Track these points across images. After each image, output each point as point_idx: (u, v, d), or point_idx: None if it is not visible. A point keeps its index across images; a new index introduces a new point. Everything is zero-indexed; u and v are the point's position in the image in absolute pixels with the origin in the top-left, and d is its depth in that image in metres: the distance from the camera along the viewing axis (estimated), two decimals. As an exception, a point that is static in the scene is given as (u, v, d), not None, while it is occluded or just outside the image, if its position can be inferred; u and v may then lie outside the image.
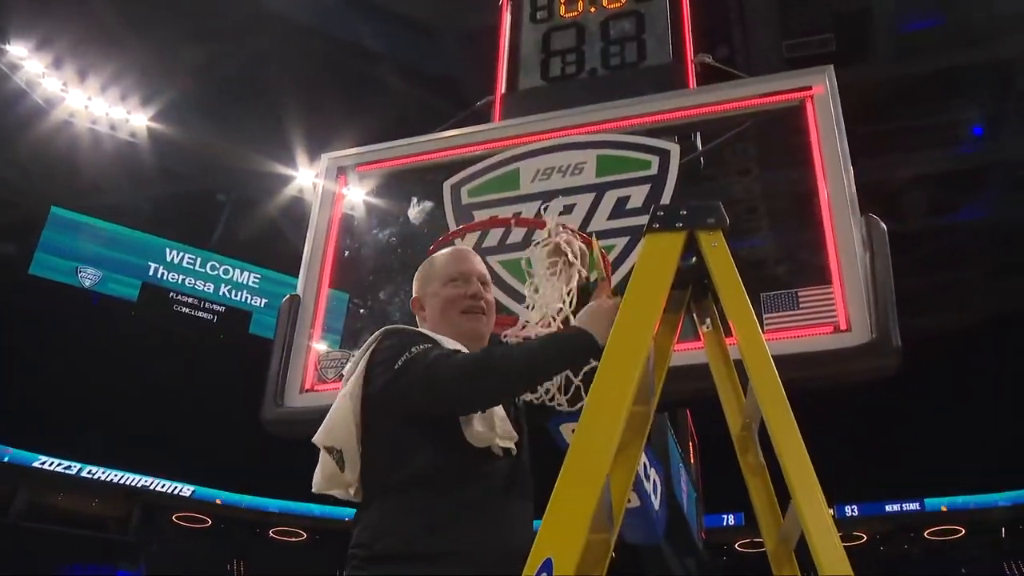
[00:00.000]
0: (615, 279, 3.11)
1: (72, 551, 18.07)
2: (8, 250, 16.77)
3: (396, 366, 2.10)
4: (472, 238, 3.60)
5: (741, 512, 20.61)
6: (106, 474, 19.02)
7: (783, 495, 1.99)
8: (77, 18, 12.33)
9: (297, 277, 4.01)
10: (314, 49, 13.16)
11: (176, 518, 20.79)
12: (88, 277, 16.14)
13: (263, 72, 13.51)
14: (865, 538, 20.98)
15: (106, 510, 19.99)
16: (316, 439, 2.19)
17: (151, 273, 16.77)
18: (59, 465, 18.52)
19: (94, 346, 17.22)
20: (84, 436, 17.71)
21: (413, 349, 2.12)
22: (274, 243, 16.81)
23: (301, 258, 4.06)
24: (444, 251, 2.51)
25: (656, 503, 4.39)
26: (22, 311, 16.63)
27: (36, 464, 18.31)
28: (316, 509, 20.58)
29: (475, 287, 2.36)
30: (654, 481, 4.38)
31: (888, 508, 21.00)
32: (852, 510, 20.50)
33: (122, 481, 19.23)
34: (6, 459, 18.11)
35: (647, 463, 4.19)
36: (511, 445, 2.17)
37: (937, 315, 16.31)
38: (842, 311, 3.07)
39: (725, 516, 20.77)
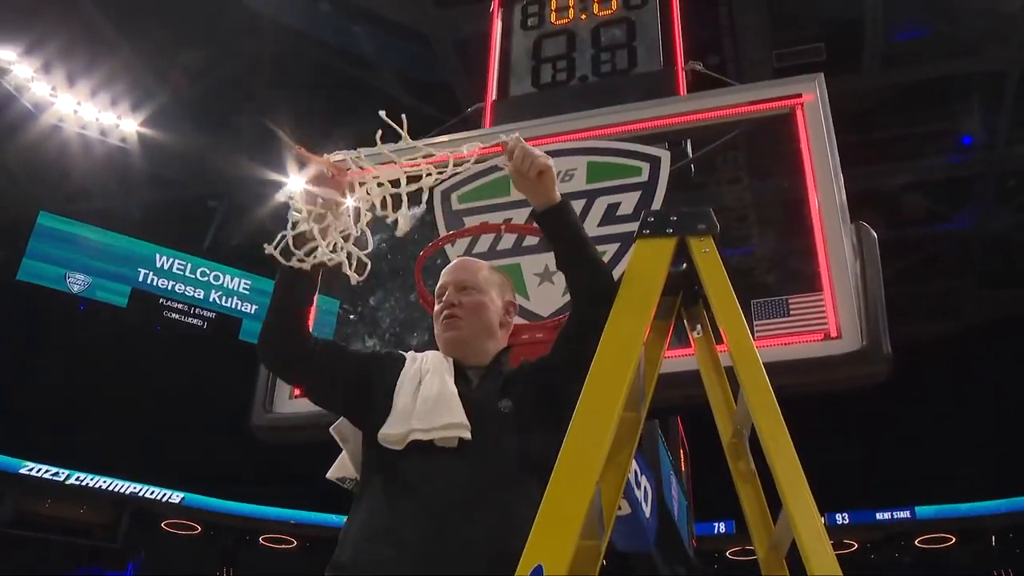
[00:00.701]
0: (606, 285, 3.10)
1: (60, 558, 17.93)
2: (-5, 254, 16.70)
3: None
4: (463, 244, 3.59)
5: (732, 520, 20.57)
6: (94, 481, 18.87)
7: (774, 502, 1.99)
8: (67, 22, 12.28)
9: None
10: (305, 55, 13.16)
11: (165, 525, 20.66)
12: (77, 283, 16.05)
13: (254, 78, 13.50)
14: (856, 546, 20.95)
15: (94, 517, 19.83)
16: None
17: (141, 279, 16.69)
18: (46, 472, 18.35)
19: (83, 352, 17.12)
20: (72, 442, 17.58)
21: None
22: (264, 248, 16.74)
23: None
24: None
25: (647, 510, 4.38)
26: (10, 317, 16.55)
27: (23, 471, 18.14)
28: (306, 516, 20.49)
29: (451, 297, 2.36)
30: (645, 488, 4.37)
31: (879, 516, 20.98)
32: (843, 518, 20.49)
33: (111, 488, 19.08)
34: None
35: (638, 470, 4.19)
36: (446, 435, 2.09)
37: (928, 323, 16.39)
38: (832, 318, 3.08)
39: (716, 524, 20.74)
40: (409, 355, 2.34)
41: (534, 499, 1.98)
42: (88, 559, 18.56)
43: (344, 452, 2.29)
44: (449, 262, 2.57)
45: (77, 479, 18.65)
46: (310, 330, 2.33)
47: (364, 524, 2.07)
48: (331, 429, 2.30)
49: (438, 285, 2.42)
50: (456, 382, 2.22)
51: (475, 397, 2.20)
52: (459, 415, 2.11)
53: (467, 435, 2.08)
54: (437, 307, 2.38)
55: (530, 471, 2.10)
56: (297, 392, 3.68)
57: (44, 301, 15.96)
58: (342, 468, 2.30)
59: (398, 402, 2.16)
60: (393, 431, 2.10)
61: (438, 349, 2.37)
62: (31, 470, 18.18)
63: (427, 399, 2.14)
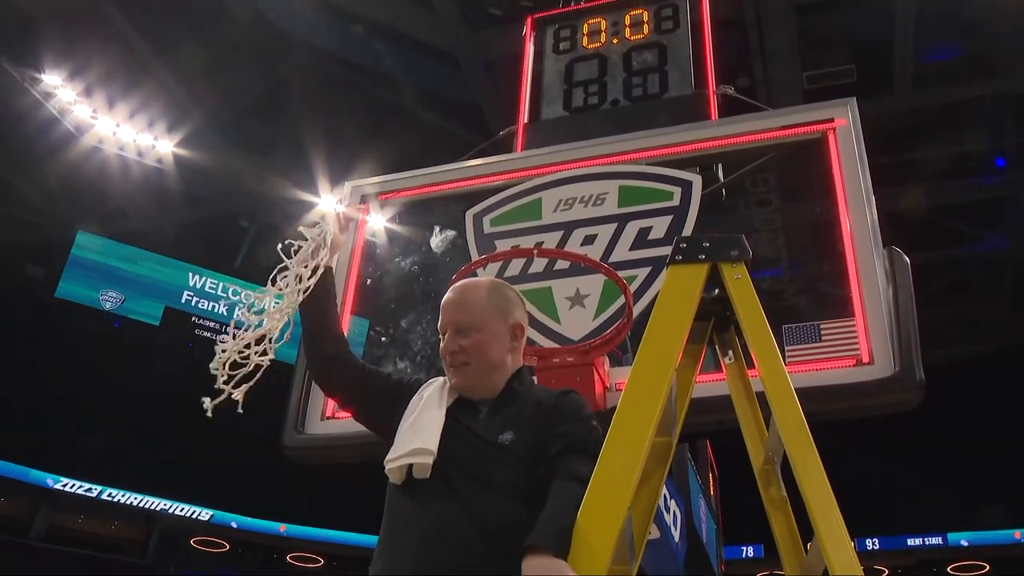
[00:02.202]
0: (637, 309, 3.11)
1: (91, 574, 18.06)
2: (36, 273, 16.98)
3: None
4: (494, 267, 3.61)
5: (760, 544, 20.33)
6: (125, 497, 19.04)
7: (804, 528, 1.98)
8: (109, 48, 12.58)
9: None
10: (337, 76, 13.31)
11: (194, 542, 20.77)
12: (110, 300, 16.30)
13: (287, 99, 13.68)
14: (886, 572, 20.64)
15: (125, 533, 20.00)
16: None
17: (173, 298, 16.92)
18: (79, 487, 18.55)
19: (116, 369, 17.32)
20: (104, 459, 17.74)
21: None
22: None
23: (322, 284, 4.06)
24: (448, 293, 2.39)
25: (676, 535, 4.35)
26: (47, 334, 16.78)
27: (56, 486, 18.35)
28: (334, 535, 20.51)
29: (450, 344, 2.26)
30: (674, 512, 4.35)
31: (910, 542, 20.66)
32: (873, 543, 20.18)
33: (141, 504, 19.24)
34: (28, 480, 18.17)
35: (667, 494, 4.16)
36: (413, 461, 2.10)
37: (959, 346, 16.18)
38: (865, 344, 3.06)
39: (744, 548, 20.50)
40: (424, 385, 2.35)
41: (515, 551, 1.92)
42: (118, 575, 18.67)
43: None
44: (496, 287, 2.45)
45: (109, 495, 18.81)
46: (348, 350, 2.43)
47: (376, 556, 2.13)
48: None
49: (440, 323, 2.30)
50: (462, 413, 2.20)
51: (475, 426, 2.17)
52: (426, 440, 2.10)
53: (429, 460, 2.07)
54: (441, 346, 2.29)
55: (528, 504, 2.01)
56: (328, 413, 3.70)
57: (81, 320, 16.21)
58: None
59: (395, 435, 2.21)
60: (388, 467, 2.16)
61: None
62: (64, 486, 18.36)
63: (410, 428, 2.16)
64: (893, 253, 3.18)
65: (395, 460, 2.11)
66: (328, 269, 2.46)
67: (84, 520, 19.33)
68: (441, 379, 2.33)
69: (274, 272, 2.46)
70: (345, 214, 2.59)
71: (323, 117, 13.38)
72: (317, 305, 2.43)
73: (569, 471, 1.96)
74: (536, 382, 2.41)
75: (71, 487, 18.44)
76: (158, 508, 19.38)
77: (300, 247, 2.47)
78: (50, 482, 18.25)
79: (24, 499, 18.48)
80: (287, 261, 2.45)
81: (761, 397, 2.17)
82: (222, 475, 18.22)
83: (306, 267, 2.43)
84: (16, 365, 16.68)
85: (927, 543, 20.61)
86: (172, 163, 14.59)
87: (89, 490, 18.62)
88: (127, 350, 17.18)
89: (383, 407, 2.32)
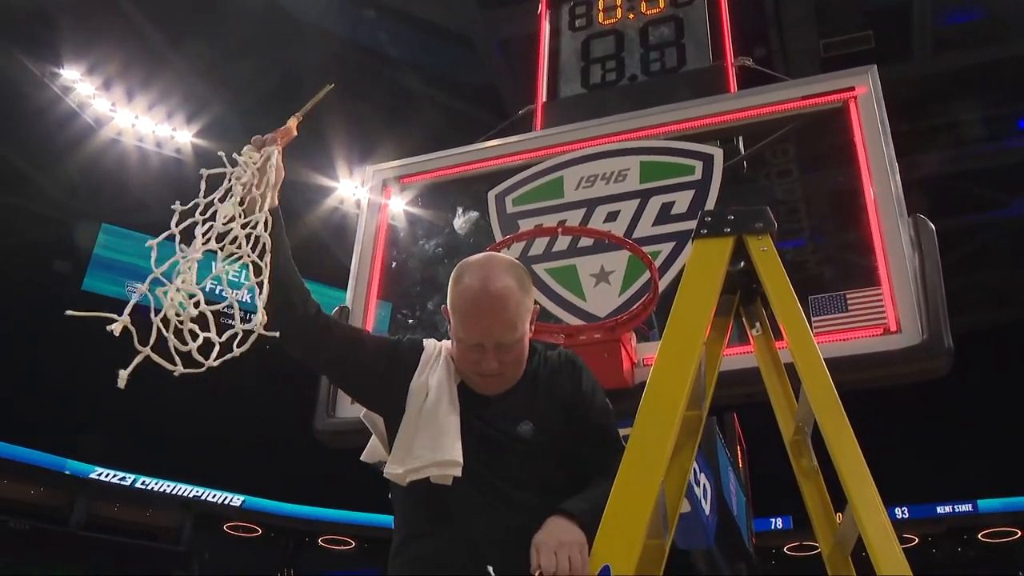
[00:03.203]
0: (662, 284, 3.12)
1: (128, 560, 18.38)
2: (63, 267, 17.18)
3: None
4: (518, 246, 3.62)
5: (789, 515, 20.35)
6: (159, 485, 19.33)
7: (835, 499, 1.99)
8: (126, 42, 12.67)
9: (339, 288, 4.05)
10: (353, 62, 13.30)
11: (227, 528, 21.06)
12: (136, 292, 16.44)
13: (303, 86, 13.69)
14: (917, 540, 20.58)
15: (160, 520, 20.33)
16: None
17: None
18: (115, 476, 18.86)
19: (146, 360, 17.48)
20: (138, 448, 18.00)
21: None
22: (317, 254, 17.00)
23: (343, 269, 4.09)
24: (467, 289, 2.05)
25: (707, 508, 4.36)
26: (76, 327, 16.94)
27: (93, 476, 18.67)
28: (364, 518, 20.70)
29: (490, 364, 2.05)
30: (704, 486, 4.36)
31: (940, 510, 20.58)
32: (903, 512, 20.12)
33: (175, 492, 19.53)
34: (66, 471, 18.49)
35: (697, 468, 4.17)
36: (439, 473, 1.98)
37: (985, 312, 16.03)
38: (891, 313, 3.05)
39: (773, 520, 20.53)
40: (425, 351, 2.16)
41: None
42: (156, 565, 18.98)
43: (374, 437, 2.20)
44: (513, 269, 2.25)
45: (143, 483, 19.10)
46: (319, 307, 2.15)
47: (399, 548, 2.08)
48: (361, 416, 2.22)
49: (468, 331, 2.03)
50: (468, 401, 2.08)
51: (491, 418, 2.07)
52: (452, 451, 1.97)
53: (457, 473, 1.95)
54: (468, 356, 2.06)
55: (549, 497, 1.99)
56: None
57: (108, 312, 16.35)
58: (375, 453, 2.21)
59: (402, 427, 2.05)
60: (394, 471, 2.02)
61: None
62: (100, 475, 18.67)
63: (425, 426, 2.02)
64: (918, 221, 3.16)
65: (415, 471, 1.98)
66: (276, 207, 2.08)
67: (120, 508, 19.66)
68: (442, 350, 2.18)
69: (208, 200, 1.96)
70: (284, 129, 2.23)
71: (340, 103, 13.38)
72: (279, 249, 2.06)
73: (608, 469, 1.90)
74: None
75: (107, 476, 18.77)
76: (191, 495, 19.66)
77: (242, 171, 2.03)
78: (87, 472, 18.55)
79: (63, 489, 18.85)
80: (231, 182, 1.99)
81: (789, 368, 2.18)
82: (253, 461, 18.42)
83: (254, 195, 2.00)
84: (50, 359, 16.92)
85: (957, 511, 20.53)
86: (191, 153, 14.68)
87: (124, 479, 18.93)
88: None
89: (372, 382, 2.15)
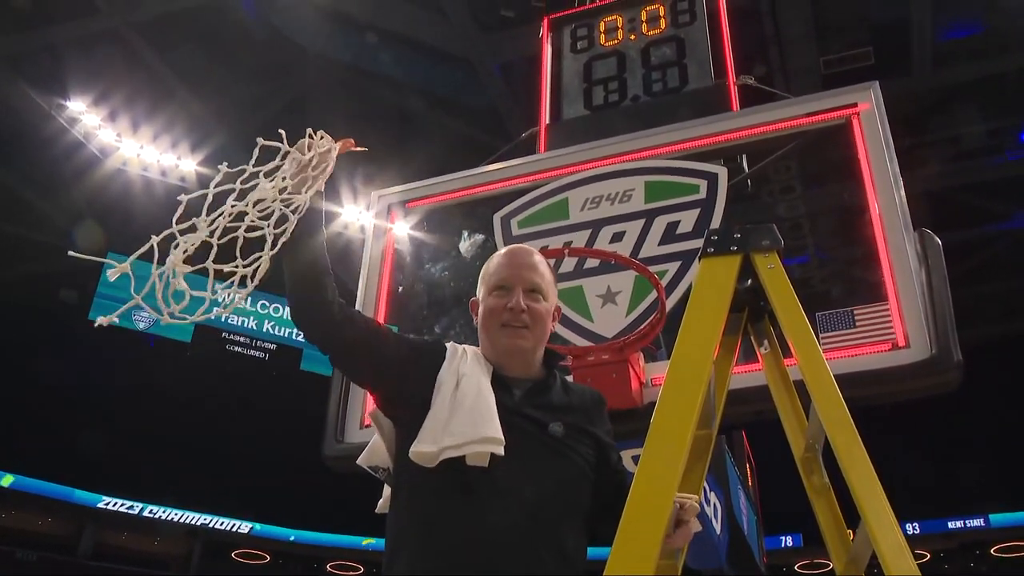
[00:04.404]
0: (669, 304, 3.12)
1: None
2: (70, 297, 17.24)
3: None
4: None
5: (799, 533, 20.20)
6: (166, 513, 19.29)
7: (846, 514, 1.98)
8: (131, 73, 12.82)
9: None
10: (355, 87, 13.38)
11: (236, 555, 20.97)
12: (143, 320, 16.51)
13: (306, 112, 13.78)
14: (928, 556, 20.41)
15: (168, 548, 20.27)
16: None
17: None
18: (122, 505, 18.82)
19: (152, 388, 17.55)
20: (145, 476, 18.00)
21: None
22: (321, 279, 17.03)
23: (347, 293, 4.09)
24: (502, 250, 2.24)
25: (717, 527, 4.35)
26: (84, 356, 17.03)
27: (100, 504, 18.64)
28: (372, 544, 20.62)
29: (516, 299, 2.11)
30: (714, 504, 4.35)
31: (951, 525, 20.41)
32: (913, 528, 19.96)
33: (182, 520, 19.48)
34: (72, 500, 18.48)
35: (707, 487, 4.16)
36: (479, 450, 1.91)
37: (992, 325, 15.98)
38: (900, 328, 3.05)
39: (783, 538, 20.37)
40: (449, 347, 2.13)
41: (580, 527, 2.02)
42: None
43: (377, 437, 2.13)
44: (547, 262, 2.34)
45: (150, 511, 19.06)
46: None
47: (416, 547, 1.95)
48: (368, 413, 2.17)
49: (499, 276, 2.14)
50: (497, 392, 2.03)
51: (520, 414, 2.04)
52: (494, 428, 1.92)
53: (500, 451, 1.90)
54: (496, 303, 2.12)
55: (582, 498, 2.04)
56: (367, 421, 3.71)
57: (116, 341, 16.44)
58: (374, 455, 2.13)
59: (431, 412, 1.97)
60: (425, 449, 1.91)
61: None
62: (108, 504, 18.64)
63: (462, 409, 1.95)
64: (924, 235, 3.17)
65: (456, 447, 1.90)
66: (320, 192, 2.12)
67: (128, 537, 19.60)
68: (467, 348, 2.16)
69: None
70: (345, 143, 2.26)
71: (342, 127, 13.30)
72: (322, 232, 2.11)
73: None
74: (573, 380, 2.39)
75: (114, 505, 18.72)
76: (199, 523, 19.60)
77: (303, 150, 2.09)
78: (94, 502, 18.53)
79: (70, 518, 18.80)
80: (288, 150, 2.06)
81: (798, 385, 2.18)
82: (261, 488, 18.39)
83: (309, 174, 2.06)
84: (57, 388, 16.96)
85: (968, 525, 20.36)
86: (195, 181, 14.76)
87: (131, 507, 18.88)
88: (162, 368, 17.39)
89: (394, 370, 2.10)
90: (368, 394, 3.69)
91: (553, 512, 1.96)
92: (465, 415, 1.94)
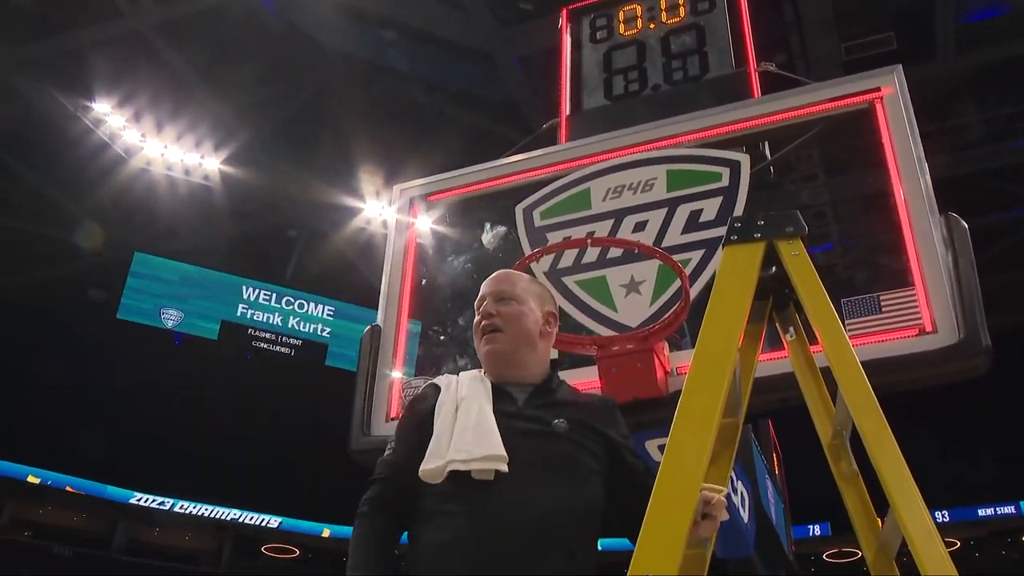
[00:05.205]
0: (693, 292, 3.11)
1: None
2: (98, 297, 17.46)
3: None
4: (547, 260, 3.63)
5: (827, 522, 20.11)
6: (197, 508, 19.51)
7: (875, 502, 1.97)
8: (155, 75, 12.98)
9: (365, 306, 4.07)
10: (374, 82, 13.42)
11: (266, 549, 21.17)
12: (170, 318, 16.68)
13: (326, 109, 13.83)
14: (959, 544, 20.24)
15: (199, 543, 20.52)
16: None
17: (230, 311, 17.25)
18: (153, 501, 19.07)
19: (180, 385, 17.75)
20: (175, 472, 18.20)
21: (385, 452, 2.21)
22: (345, 275, 17.13)
23: (369, 288, 4.11)
24: None
25: (745, 515, 4.34)
26: (114, 356, 17.26)
27: (132, 500, 18.90)
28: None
29: (486, 307, 2.29)
30: (741, 493, 4.34)
31: (981, 513, 20.23)
32: (943, 516, 19.79)
33: (213, 515, 19.69)
34: (105, 496, 18.74)
35: (734, 476, 4.15)
36: (483, 467, 1.99)
37: (1021, 312, 15.77)
38: (927, 313, 3.02)
39: (811, 526, 20.29)
40: (444, 383, 2.24)
41: (588, 526, 2.04)
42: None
43: None
44: (534, 279, 2.51)
45: (181, 507, 19.29)
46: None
47: (425, 550, 2.04)
48: None
49: (480, 296, 2.34)
50: (498, 402, 2.13)
51: (523, 416, 2.11)
52: (497, 447, 1.99)
53: (504, 468, 1.97)
54: (476, 319, 2.30)
55: (590, 494, 2.07)
56: (393, 414, 3.73)
57: (143, 339, 16.64)
58: None
59: (435, 434, 2.09)
60: (431, 465, 2.02)
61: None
62: (140, 500, 18.90)
63: (465, 428, 2.04)
64: (951, 219, 3.13)
65: (462, 462, 1.98)
66: None
67: (160, 532, 19.88)
68: (469, 373, 2.28)
69: None
70: None
71: (363, 124, 13.50)
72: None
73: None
74: (598, 371, 2.42)
75: (146, 501, 18.98)
76: (229, 518, 19.80)
77: None
78: (127, 498, 18.77)
79: (104, 514, 19.08)
80: None
81: (824, 372, 2.17)
82: (289, 483, 18.54)
83: None
84: (88, 387, 17.19)
85: (999, 513, 20.17)
86: (219, 180, 14.89)
87: (162, 503, 19.12)
88: (190, 365, 17.58)
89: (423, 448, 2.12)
90: (392, 388, 3.73)
91: (560, 512, 1.99)
92: (469, 434, 2.03)
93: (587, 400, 2.27)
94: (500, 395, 2.15)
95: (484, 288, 2.34)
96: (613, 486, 2.12)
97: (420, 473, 2.02)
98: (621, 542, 2.13)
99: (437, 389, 2.22)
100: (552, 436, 2.07)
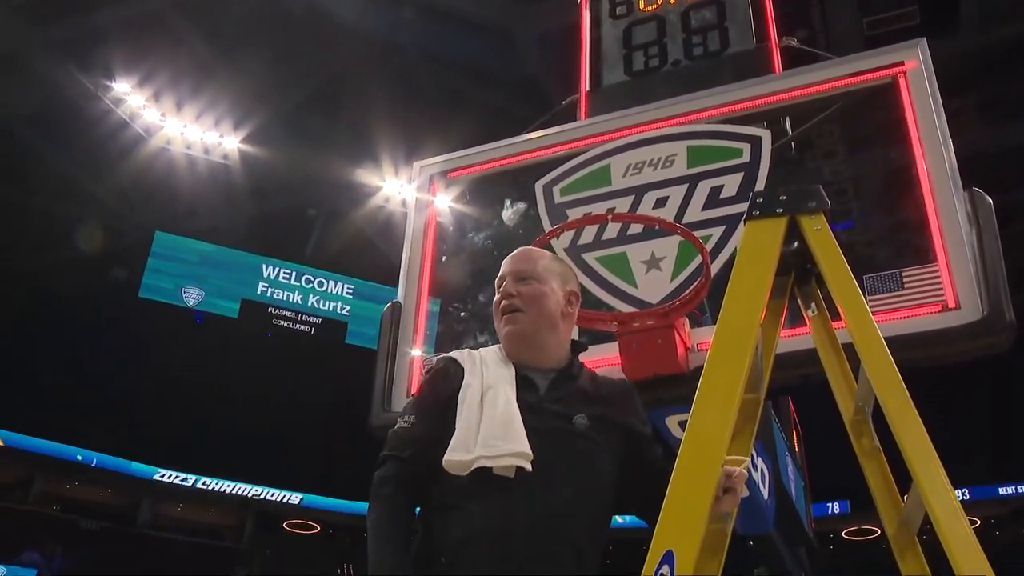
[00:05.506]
0: (713, 269, 3.10)
1: (193, 559, 18.84)
2: (120, 275, 17.64)
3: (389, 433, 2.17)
4: (567, 236, 3.62)
5: (847, 499, 20.10)
6: (219, 485, 19.74)
7: (898, 478, 1.97)
8: (174, 54, 13.03)
9: (383, 283, 4.08)
10: (393, 61, 13.40)
11: (287, 525, 21.41)
12: (192, 297, 16.83)
13: (345, 88, 13.83)
14: (979, 522, 20.17)
15: (221, 519, 20.79)
16: None
17: (250, 289, 17.37)
18: (177, 477, 19.32)
19: (203, 363, 17.91)
20: (198, 449, 18.41)
21: (400, 423, 2.14)
22: (364, 253, 17.19)
23: (389, 265, 4.12)
24: None
25: (765, 492, 4.35)
26: (137, 333, 17.43)
27: (157, 477, 19.16)
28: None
29: (506, 287, 2.23)
30: (762, 470, 4.34)
31: (1002, 491, 20.15)
32: (963, 494, 19.70)
33: (235, 491, 19.92)
34: (129, 472, 18.99)
35: (755, 453, 4.15)
36: (509, 463, 1.95)
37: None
38: (950, 289, 2.99)
39: (830, 504, 20.28)
40: (466, 361, 2.18)
41: (599, 526, 2.05)
42: (219, 563, 19.42)
43: None
44: (556, 257, 2.47)
45: (204, 483, 19.53)
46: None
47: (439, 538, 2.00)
48: None
49: (500, 274, 2.28)
50: (521, 390, 2.09)
51: (545, 410, 2.08)
52: (524, 443, 1.96)
53: (527, 467, 1.94)
54: (496, 298, 2.25)
55: (602, 493, 2.06)
56: (414, 390, 3.74)
57: (165, 317, 16.78)
58: None
59: (460, 422, 2.03)
60: (457, 457, 1.97)
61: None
62: (164, 476, 19.16)
63: (492, 421, 2.00)
64: (975, 195, 3.09)
65: (491, 458, 1.95)
66: None
67: (183, 508, 20.16)
68: (490, 350, 2.24)
69: None
70: None
71: (382, 102, 13.50)
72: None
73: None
74: (619, 347, 2.40)
75: (169, 478, 19.24)
76: (251, 494, 20.03)
77: None
78: (151, 474, 19.02)
79: (129, 491, 19.36)
80: None
81: (847, 348, 2.16)
82: (310, 459, 18.70)
83: None
84: (112, 366, 17.39)
85: (1020, 491, 20.09)
86: (238, 159, 14.95)
87: (185, 480, 19.37)
88: (211, 344, 17.73)
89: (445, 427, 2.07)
90: (413, 365, 3.74)
91: (573, 512, 1.98)
92: (497, 427, 1.98)
93: (607, 389, 2.21)
94: (523, 382, 2.11)
95: (504, 267, 2.29)
96: (633, 474, 2.12)
97: (444, 463, 1.97)
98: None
99: (459, 366, 2.17)
100: (572, 435, 2.05)
